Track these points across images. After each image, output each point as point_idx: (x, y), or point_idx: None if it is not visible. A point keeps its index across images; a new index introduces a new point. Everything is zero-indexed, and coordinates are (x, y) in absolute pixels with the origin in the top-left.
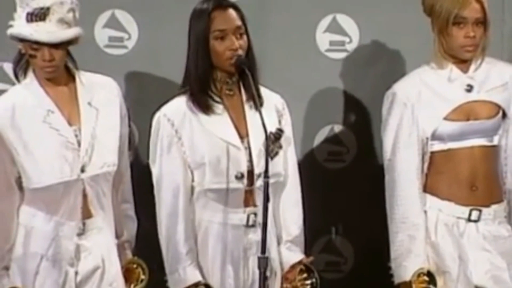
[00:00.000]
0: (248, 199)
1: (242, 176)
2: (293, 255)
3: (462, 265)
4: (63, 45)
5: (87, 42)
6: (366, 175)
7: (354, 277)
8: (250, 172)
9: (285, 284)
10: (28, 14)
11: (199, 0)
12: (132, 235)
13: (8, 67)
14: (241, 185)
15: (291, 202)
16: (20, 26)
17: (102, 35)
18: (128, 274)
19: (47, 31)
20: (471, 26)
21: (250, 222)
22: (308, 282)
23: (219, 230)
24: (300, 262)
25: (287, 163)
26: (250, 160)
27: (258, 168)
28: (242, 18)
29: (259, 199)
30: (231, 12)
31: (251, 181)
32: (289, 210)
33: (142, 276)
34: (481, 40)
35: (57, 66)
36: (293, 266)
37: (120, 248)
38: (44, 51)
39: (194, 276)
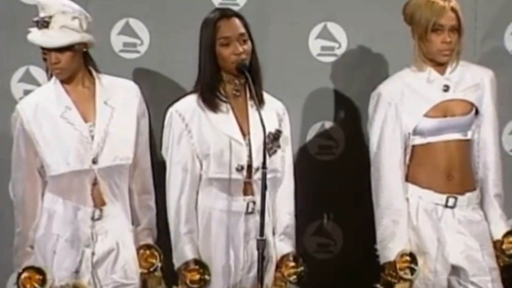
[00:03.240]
0: (247, 189)
1: (242, 168)
2: (285, 246)
3: (440, 247)
4: (68, 50)
5: (104, 47)
6: (353, 167)
7: (343, 257)
8: (249, 165)
9: (276, 273)
10: (35, 22)
11: (209, 12)
12: (153, 223)
13: (34, 70)
14: (241, 176)
15: (286, 196)
16: (33, 33)
17: (117, 41)
18: (144, 258)
19: (50, 37)
20: (447, 33)
21: (249, 210)
22: (297, 270)
23: (221, 216)
24: (290, 253)
25: (284, 161)
26: (250, 155)
27: (256, 162)
28: (245, 25)
29: (257, 189)
30: (235, 20)
31: (249, 174)
32: (284, 203)
33: (158, 262)
34: (456, 45)
35: (64, 69)
36: (283, 256)
37: (140, 235)
38: (51, 55)
39: (189, 254)
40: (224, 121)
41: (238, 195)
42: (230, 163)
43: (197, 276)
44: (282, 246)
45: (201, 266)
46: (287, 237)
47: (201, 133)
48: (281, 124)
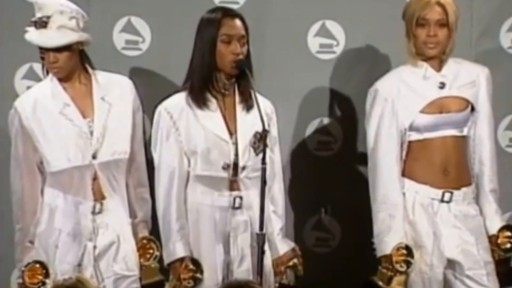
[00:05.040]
0: (233, 186)
1: (228, 166)
2: (285, 244)
3: (436, 240)
4: (66, 49)
5: (106, 45)
6: (351, 162)
7: (341, 251)
8: (235, 164)
9: (279, 268)
10: (33, 22)
11: (207, 10)
12: (148, 216)
13: (37, 67)
14: (227, 174)
15: (278, 198)
16: (30, 32)
17: (119, 38)
18: (142, 250)
19: (48, 37)
20: (433, 27)
21: (236, 205)
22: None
23: (208, 212)
24: (293, 249)
25: (273, 162)
26: (236, 154)
27: (243, 161)
28: (246, 29)
29: (243, 186)
30: (238, 21)
31: (235, 172)
32: (277, 205)
33: (156, 253)
34: (445, 40)
35: (62, 68)
36: (285, 253)
37: (136, 227)
38: (49, 54)
39: (182, 251)
40: (211, 119)
41: (224, 191)
42: (216, 161)
43: (191, 274)
44: (282, 244)
45: (195, 264)
46: (284, 235)
47: (188, 131)
48: (269, 123)
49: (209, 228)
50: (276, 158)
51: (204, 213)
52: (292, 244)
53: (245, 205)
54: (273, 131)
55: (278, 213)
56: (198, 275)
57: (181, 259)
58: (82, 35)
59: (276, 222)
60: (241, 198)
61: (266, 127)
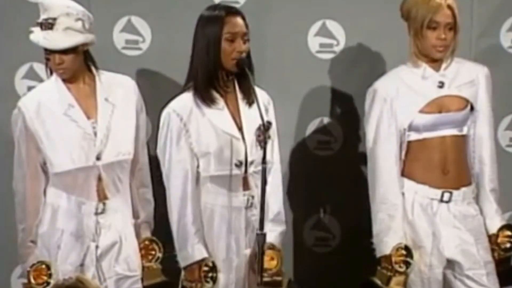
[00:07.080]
0: (245, 184)
1: (241, 163)
2: (272, 235)
3: (435, 241)
4: (71, 51)
5: (107, 44)
6: (351, 162)
7: (341, 251)
8: (246, 160)
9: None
10: (39, 23)
11: (205, 8)
12: (150, 216)
13: (38, 67)
14: (240, 172)
15: (274, 186)
16: (36, 33)
17: (119, 38)
18: (145, 251)
19: (54, 39)
20: (443, 30)
21: (249, 204)
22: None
23: (222, 212)
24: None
25: (273, 151)
26: (245, 150)
27: (251, 157)
28: (247, 26)
29: (253, 182)
30: (240, 19)
31: (245, 168)
32: (273, 193)
33: (159, 254)
34: (451, 42)
35: (67, 69)
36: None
37: (139, 228)
38: (55, 56)
39: (201, 253)
40: (221, 118)
41: (237, 191)
42: (231, 160)
43: (209, 274)
44: (269, 235)
45: (213, 265)
46: (277, 224)
47: (199, 132)
48: (267, 114)
49: (223, 228)
50: (275, 147)
51: (218, 213)
52: (276, 240)
53: (255, 203)
54: (272, 121)
55: (274, 200)
56: (215, 274)
57: (199, 261)
58: (88, 36)
59: (271, 210)
60: (252, 197)
61: (259, 123)
